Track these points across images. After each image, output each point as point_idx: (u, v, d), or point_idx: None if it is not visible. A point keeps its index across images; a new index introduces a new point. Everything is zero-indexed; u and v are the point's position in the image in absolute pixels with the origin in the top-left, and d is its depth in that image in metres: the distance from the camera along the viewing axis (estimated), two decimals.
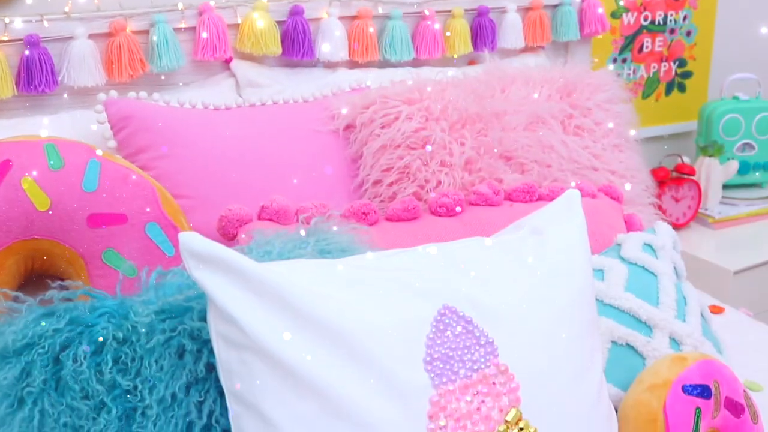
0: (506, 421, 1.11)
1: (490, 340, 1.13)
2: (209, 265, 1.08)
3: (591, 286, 1.26)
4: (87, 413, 1.10)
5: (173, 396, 1.12)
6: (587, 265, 1.27)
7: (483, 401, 1.10)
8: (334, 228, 1.39)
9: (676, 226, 2.58)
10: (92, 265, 1.49)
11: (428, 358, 1.09)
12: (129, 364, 1.13)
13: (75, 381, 1.11)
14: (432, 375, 1.08)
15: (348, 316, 1.08)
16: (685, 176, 2.74)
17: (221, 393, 1.13)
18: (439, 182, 1.76)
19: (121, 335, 1.14)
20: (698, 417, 1.27)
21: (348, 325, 1.07)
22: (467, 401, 1.09)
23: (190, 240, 1.09)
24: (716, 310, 2.06)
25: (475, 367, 1.11)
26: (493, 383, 1.11)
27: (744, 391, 1.37)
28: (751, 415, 1.36)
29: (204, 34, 1.93)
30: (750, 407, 1.36)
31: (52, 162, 1.48)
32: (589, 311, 1.25)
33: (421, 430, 1.06)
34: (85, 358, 1.12)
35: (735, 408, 1.33)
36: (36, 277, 1.53)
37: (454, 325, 1.12)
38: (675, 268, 1.57)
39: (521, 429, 1.11)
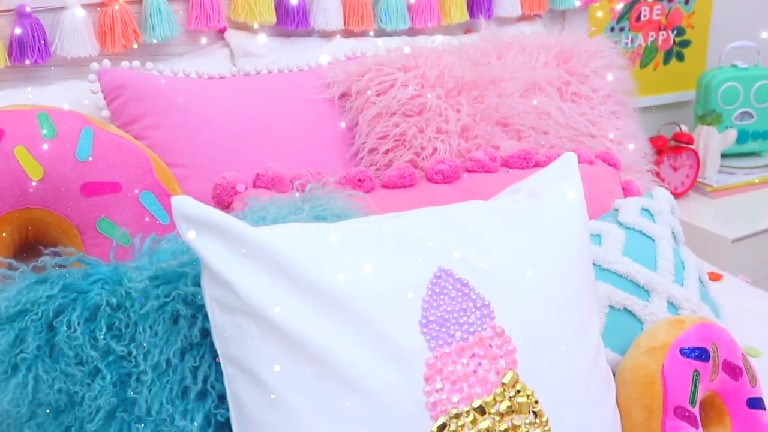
0: (503, 384, 1.10)
1: (486, 303, 1.12)
2: (202, 228, 1.07)
3: (588, 249, 1.26)
4: (81, 379, 1.10)
5: (168, 361, 1.12)
6: (584, 227, 1.26)
7: (479, 364, 1.09)
8: (330, 194, 1.38)
9: (675, 195, 2.55)
10: (86, 234, 1.48)
11: (424, 321, 1.08)
12: (123, 330, 1.12)
13: (69, 347, 1.10)
14: (428, 338, 1.07)
15: (343, 280, 1.07)
16: (684, 145, 2.73)
17: (216, 358, 1.12)
18: (435, 149, 1.74)
19: (114, 301, 1.13)
20: (696, 380, 1.26)
21: (343, 288, 1.06)
22: (463, 364, 1.09)
23: (183, 204, 1.08)
24: (714, 277, 2.06)
25: (471, 330, 1.10)
26: (490, 346, 1.10)
27: (742, 354, 1.36)
28: (750, 379, 1.35)
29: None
30: (748, 370, 1.36)
31: (45, 131, 1.46)
32: (586, 274, 1.24)
33: (417, 393, 1.05)
34: (78, 324, 1.11)
35: (733, 371, 1.33)
36: (31, 247, 1.52)
37: (450, 287, 1.11)
38: (673, 232, 1.56)
39: (518, 391, 1.11)
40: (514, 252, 1.17)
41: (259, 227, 1.11)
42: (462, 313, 1.10)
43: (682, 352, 1.27)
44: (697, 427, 1.25)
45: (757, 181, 2.80)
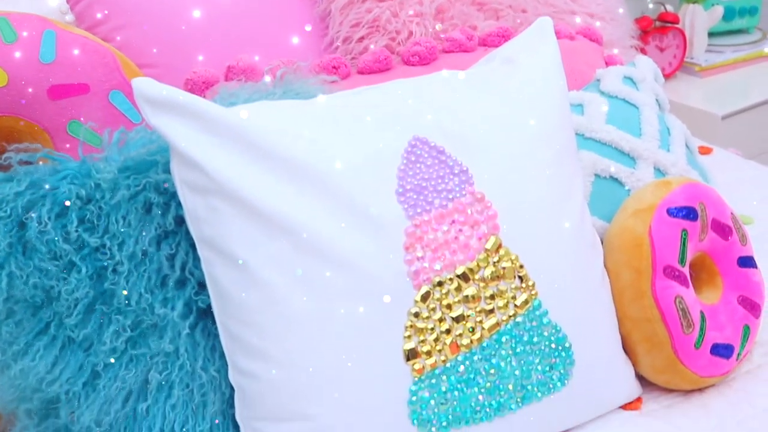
0: (486, 249, 1.08)
1: (464, 169, 1.09)
2: (167, 111, 1.04)
3: (567, 111, 1.23)
4: (56, 274, 1.08)
5: (144, 251, 1.10)
6: (562, 91, 1.23)
7: (460, 230, 1.07)
8: (303, 79, 1.34)
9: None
10: (58, 138, 1.44)
11: (401, 190, 1.06)
12: (95, 222, 1.10)
13: (41, 242, 1.08)
14: (405, 206, 1.05)
15: (315, 153, 1.04)
16: (669, 25, 2.67)
17: (193, 245, 1.10)
18: (411, 33, 1.69)
19: (84, 193, 1.11)
20: (685, 239, 1.24)
21: (315, 161, 1.04)
22: (444, 231, 1.06)
23: (145, 86, 1.05)
24: (705, 150, 2.03)
25: (450, 197, 1.08)
26: (470, 212, 1.08)
27: (731, 213, 1.34)
28: (740, 237, 1.33)
29: None
30: (738, 229, 1.33)
31: (5, 36, 1.42)
32: (566, 137, 1.21)
33: (397, 262, 1.04)
34: (49, 219, 1.08)
35: (722, 230, 1.31)
36: None
37: (426, 155, 1.09)
38: (657, 99, 1.52)
39: (502, 256, 1.09)
40: (491, 117, 1.14)
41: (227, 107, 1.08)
42: (440, 181, 1.08)
43: (669, 212, 1.24)
44: (687, 286, 1.23)
45: (745, 57, 2.74)
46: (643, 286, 1.21)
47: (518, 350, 1.10)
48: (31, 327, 1.09)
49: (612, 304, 1.23)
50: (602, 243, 1.28)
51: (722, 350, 1.25)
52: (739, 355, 1.28)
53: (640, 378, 1.28)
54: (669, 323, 1.20)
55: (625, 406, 1.25)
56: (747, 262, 1.33)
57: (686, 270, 1.24)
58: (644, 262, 1.21)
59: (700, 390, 1.29)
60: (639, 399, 1.27)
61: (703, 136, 2.27)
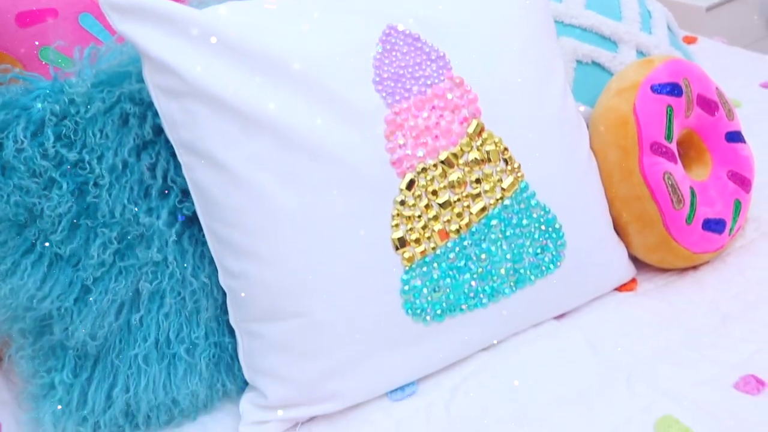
0: (468, 134, 1.07)
1: (441, 54, 1.08)
2: (134, 16, 1.02)
3: None
4: (37, 191, 1.06)
5: (124, 162, 1.08)
6: None
7: (441, 115, 1.06)
8: None
9: None
10: (31, 66, 1.42)
11: (377, 79, 1.04)
12: (73, 138, 1.08)
13: (19, 161, 1.06)
14: (384, 95, 1.04)
15: (289, 47, 1.03)
16: None
17: (173, 154, 1.09)
18: None
19: (58, 109, 1.08)
20: (670, 115, 1.23)
21: (289, 55, 1.02)
22: (424, 117, 1.05)
23: None
24: (689, 39, 2.01)
25: (429, 83, 1.06)
26: (450, 96, 1.06)
27: (717, 88, 1.32)
28: (726, 113, 1.32)
29: None
30: (724, 104, 1.32)
31: None
32: (543, 17, 1.20)
33: (379, 151, 1.02)
34: (25, 137, 1.07)
35: (708, 105, 1.29)
36: None
37: (401, 43, 1.07)
38: None
39: (485, 140, 1.08)
40: (465, 2, 1.12)
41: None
42: (417, 68, 1.06)
43: (653, 88, 1.23)
44: (675, 162, 1.22)
45: None
46: (630, 165, 1.20)
47: (508, 234, 1.09)
48: (16, 246, 1.07)
49: (600, 185, 1.22)
50: (588, 127, 1.26)
51: (714, 225, 1.25)
52: (731, 230, 1.28)
53: (635, 261, 1.28)
54: (659, 200, 1.19)
55: (620, 288, 1.25)
56: (735, 136, 1.32)
57: (673, 146, 1.23)
58: (630, 140, 1.20)
59: (694, 267, 1.29)
60: (634, 280, 1.27)
61: (688, 28, 2.25)
